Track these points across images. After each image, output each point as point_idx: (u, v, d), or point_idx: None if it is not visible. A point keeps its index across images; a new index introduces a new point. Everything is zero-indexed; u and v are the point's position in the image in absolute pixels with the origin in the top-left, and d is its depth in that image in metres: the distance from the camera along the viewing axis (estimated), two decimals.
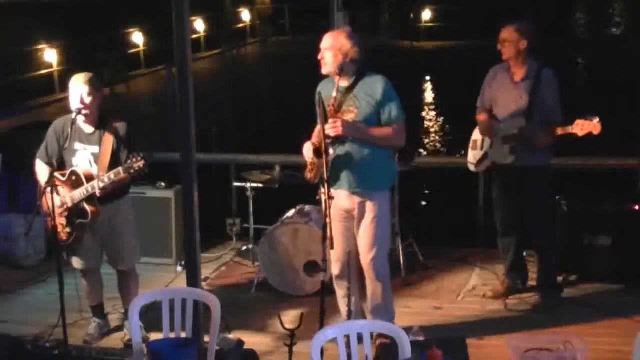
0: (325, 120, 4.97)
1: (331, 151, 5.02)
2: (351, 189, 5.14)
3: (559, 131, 5.61)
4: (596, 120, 5.48)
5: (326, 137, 4.97)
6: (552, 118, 5.72)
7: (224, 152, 9.94)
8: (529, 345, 4.34)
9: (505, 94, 5.86)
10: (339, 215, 5.21)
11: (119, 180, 5.22)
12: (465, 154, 6.37)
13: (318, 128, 5.06)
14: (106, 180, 5.21)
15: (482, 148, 6.08)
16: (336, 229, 5.15)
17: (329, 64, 5.09)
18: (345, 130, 4.99)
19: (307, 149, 5.12)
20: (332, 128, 4.98)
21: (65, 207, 5.38)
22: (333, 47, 5.08)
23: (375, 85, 5.09)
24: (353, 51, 5.09)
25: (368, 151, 5.09)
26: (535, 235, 6.02)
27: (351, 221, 5.23)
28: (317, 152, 4.98)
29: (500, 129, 5.86)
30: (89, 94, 5.31)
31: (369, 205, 5.15)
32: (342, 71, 5.06)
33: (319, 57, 5.14)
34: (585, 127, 5.49)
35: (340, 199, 5.17)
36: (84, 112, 5.32)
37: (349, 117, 5.06)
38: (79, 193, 5.32)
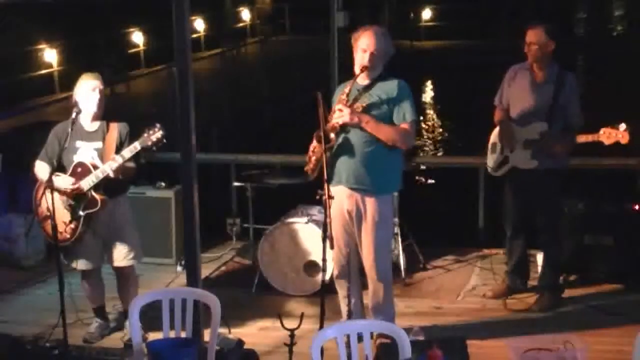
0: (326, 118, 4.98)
1: (332, 135, 5.02)
2: (348, 184, 5.12)
3: (584, 139, 5.55)
4: (622, 127, 5.42)
5: (333, 127, 4.98)
6: (573, 123, 5.67)
7: (224, 152, 9.92)
8: (529, 345, 4.34)
9: (525, 95, 5.79)
10: (340, 215, 5.20)
11: (128, 168, 5.21)
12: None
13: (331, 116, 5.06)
14: (120, 159, 5.19)
15: (501, 152, 5.99)
16: (337, 229, 5.14)
17: (373, 66, 5.04)
18: (351, 116, 4.97)
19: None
20: (339, 116, 4.98)
21: (72, 190, 5.35)
22: (379, 50, 5.04)
23: (392, 86, 5.08)
24: (390, 55, 5.13)
25: (372, 151, 5.05)
26: (545, 236, 6.00)
27: (352, 222, 5.22)
28: (319, 138, 4.95)
29: (520, 133, 5.80)
30: (101, 90, 5.41)
31: (370, 207, 5.12)
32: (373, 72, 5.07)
33: (368, 59, 5.02)
34: (612, 135, 5.43)
35: (342, 198, 5.15)
36: (96, 110, 5.36)
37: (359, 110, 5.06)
38: (88, 181, 5.29)
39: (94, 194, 5.33)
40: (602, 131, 5.47)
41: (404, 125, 5.06)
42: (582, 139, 5.58)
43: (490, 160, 6.12)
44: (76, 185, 5.32)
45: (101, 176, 5.26)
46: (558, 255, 6.06)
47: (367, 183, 5.10)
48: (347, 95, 5.07)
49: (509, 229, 6.15)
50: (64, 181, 5.30)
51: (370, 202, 5.12)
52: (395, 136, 5.04)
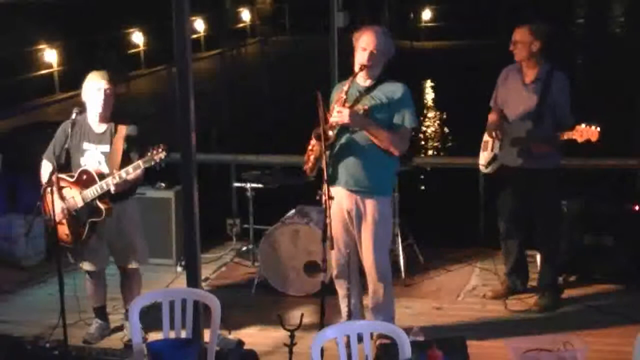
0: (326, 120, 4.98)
1: (330, 133, 5.02)
2: (348, 187, 5.13)
3: (562, 136, 5.59)
4: (594, 127, 5.47)
5: (331, 126, 4.99)
6: (562, 121, 5.68)
7: (224, 152, 9.92)
8: (529, 345, 4.34)
9: (516, 95, 5.83)
10: (340, 215, 5.20)
11: (135, 177, 5.22)
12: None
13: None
14: (123, 175, 5.19)
15: (491, 149, 6.06)
16: (336, 229, 5.15)
17: (373, 65, 5.04)
18: (350, 117, 4.97)
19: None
20: (338, 117, 4.98)
21: (71, 209, 5.35)
22: (380, 49, 5.05)
23: (395, 89, 5.08)
24: (391, 55, 5.13)
25: (372, 153, 5.06)
26: (543, 237, 6.01)
27: (352, 222, 5.22)
28: (318, 135, 4.95)
29: (508, 131, 5.84)
30: (109, 90, 5.37)
31: (369, 207, 5.13)
32: (373, 72, 5.07)
33: (367, 58, 5.02)
34: (584, 133, 5.48)
35: (341, 199, 5.16)
36: (101, 111, 5.33)
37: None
38: (92, 191, 5.28)
39: (98, 203, 5.32)
40: (576, 129, 5.52)
41: (401, 130, 5.07)
42: (562, 136, 5.62)
43: (482, 157, 6.17)
44: (71, 208, 5.34)
45: (105, 188, 5.26)
46: (556, 255, 6.06)
47: (365, 185, 5.11)
48: (346, 93, 5.06)
49: (502, 228, 6.17)
50: (69, 194, 5.32)
51: (369, 203, 5.13)
52: (391, 142, 5.05)
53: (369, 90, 5.10)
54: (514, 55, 5.81)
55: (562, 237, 6.40)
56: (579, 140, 5.52)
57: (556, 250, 6.06)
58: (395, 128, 5.06)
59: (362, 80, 5.12)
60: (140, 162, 5.17)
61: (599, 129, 5.44)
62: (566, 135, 5.57)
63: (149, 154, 5.12)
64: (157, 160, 5.11)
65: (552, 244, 6.03)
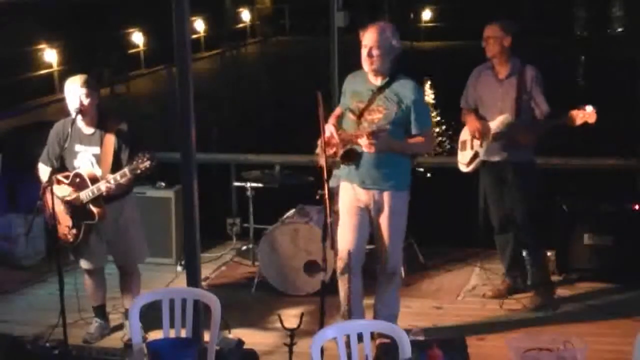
0: (326, 120, 4.98)
1: (341, 152, 5.06)
2: (364, 186, 5.15)
3: (555, 122, 5.63)
4: (589, 109, 5.50)
5: (355, 140, 5.01)
6: (539, 113, 5.76)
7: (224, 152, 9.92)
8: (529, 345, 4.33)
9: (491, 92, 5.89)
10: (353, 210, 5.22)
11: (126, 181, 5.22)
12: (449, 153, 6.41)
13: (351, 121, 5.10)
14: (112, 181, 5.19)
15: (471, 148, 6.07)
16: (348, 224, 5.22)
17: (377, 62, 5.03)
18: (378, 148, 4.97)
19: (328, 128, 5.09)
20: (366, 147, 4.96)
21: (71, 202, 5.35)
22: (382, 46, 5.03)
23: (406, 89, 5.08)
24: (397, 51, 5.11)
25: (387, 153, 5.07)
26: (520, 231, 6.02)
27: (369, 215, 5.23)
28: (346, 155, 5.01)
29: (489, 127, 5.87)
30: (87, 95, 5.30)
31: (387, 200, 5.15)
32: (380, 70, 5.07)
33: (367, 55, 5.03)
34: (580, 117, 5.52)
35: (357, 195, 5.19)
36: (82, 116, 5.32)
37: (376, 116, 5.05)
38: (85, 195, 5.30)
39: (91, 207, 5.33)
40: (570, 114, 5.55)
41: (425, 135, 5.13)
42: (553, 122, 5.67)
43: (461, 157, 6.19)
44: (74, 197, 5.33)
45: (96, 192, 5.27)
46: (540, 252, 6.09)
47: (382, 184, 5.14)
48: (362, 102, 5.06)
49: (494, 224, 6.19)
50: (62, 192, 5.31)
51: (387, 196, 5.16)
52: (421, 148, 5.22)
53: (381, 89, 5.10)
54: (486, 52, 5.88)
55: (561, 237, 6.41)
56: (576, 123, 5.53)
57: (536, 245, 6.06)
58: (417, 131, 5.09)
59: (373, 79, 5.13)
60: (126, 169, 5.16)
61: (592, 109, 5.47)
62: (560, 122, 5.60)
63: (135, 162, 5.12)
64: (143, 169, 5.10)
65: (529, 238, 6.02)
